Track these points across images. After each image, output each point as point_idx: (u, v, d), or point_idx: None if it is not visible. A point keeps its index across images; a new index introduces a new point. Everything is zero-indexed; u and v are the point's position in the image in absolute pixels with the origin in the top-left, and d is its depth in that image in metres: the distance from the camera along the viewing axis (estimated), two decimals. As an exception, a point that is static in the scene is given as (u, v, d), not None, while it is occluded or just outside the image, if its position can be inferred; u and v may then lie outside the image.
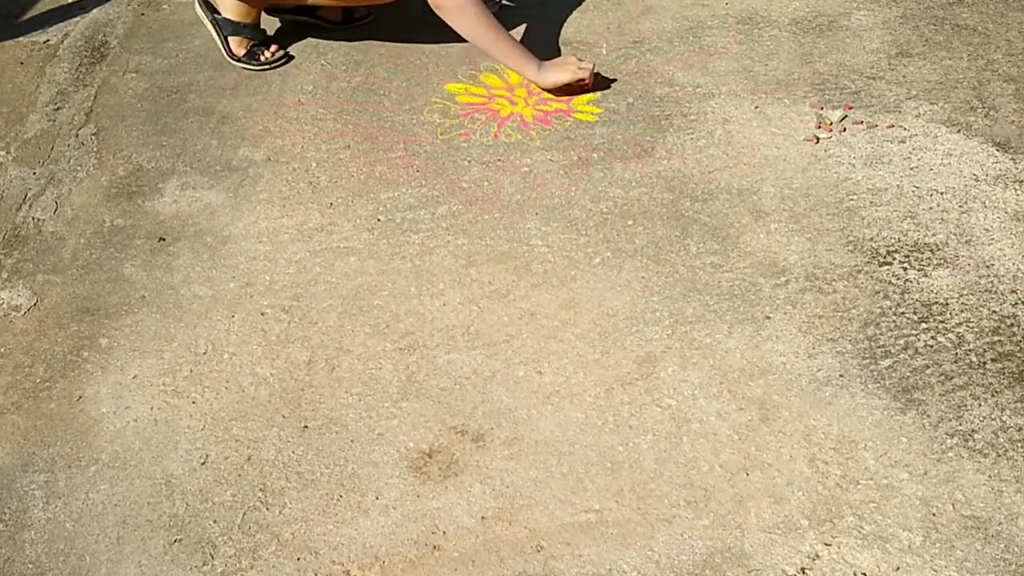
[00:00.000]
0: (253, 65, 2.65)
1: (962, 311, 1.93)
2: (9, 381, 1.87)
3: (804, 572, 1.52)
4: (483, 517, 1.61)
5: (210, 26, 2.67)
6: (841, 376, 1.81)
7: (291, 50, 2.75)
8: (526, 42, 2.74)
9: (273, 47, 2.69)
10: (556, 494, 1.64)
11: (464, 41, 2.48)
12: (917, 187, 2.20)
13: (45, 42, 2.84)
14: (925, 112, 2.41)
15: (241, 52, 2.66)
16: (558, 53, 2.70)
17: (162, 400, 1.82)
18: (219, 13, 2.65)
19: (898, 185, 2.21)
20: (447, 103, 2.54)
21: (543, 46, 2.73)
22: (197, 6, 2.68)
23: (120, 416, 1.80)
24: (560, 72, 2.46)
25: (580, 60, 2.49)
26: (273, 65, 2.66)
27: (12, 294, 2.05)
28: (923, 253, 2.06)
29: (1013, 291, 1.97)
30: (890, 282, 1.99)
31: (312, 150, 2.40)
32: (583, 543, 1.57)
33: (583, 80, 2.47)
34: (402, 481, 1.67)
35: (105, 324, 1.97)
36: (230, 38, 2.65)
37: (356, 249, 2.12)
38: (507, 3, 2.88)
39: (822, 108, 2.44)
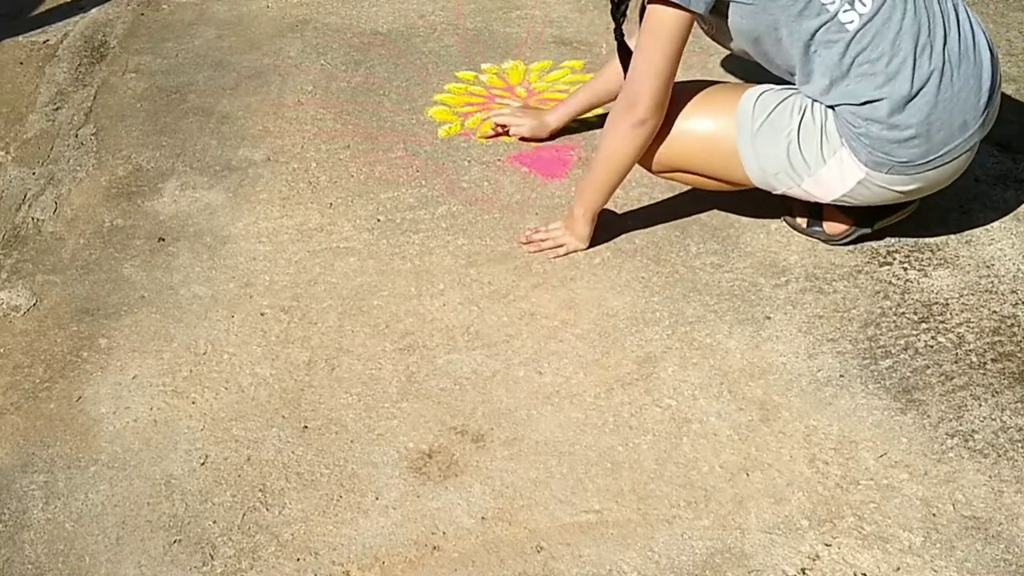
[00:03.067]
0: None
1: (962, 311, 1.93)
2: (9, 381, 1.87)
3: (804, 572, 1.52)
4: (483, 517, 1.61)
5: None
6: (841, 376, 1.81)
7: (290, 51, 2.75)
8: (525, 42, 2.74)
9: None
10: (556, 494, 1.64)
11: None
12: (917, 187, 2.20)
13: (44, 42, 2.84)
14: (925, 112, 2.40)
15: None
16: (557, 53, 2.70)
17: (162, 400, 1.82)
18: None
19: (898, 185, 2.21)
20: (447, 103, 2.54)
21: (544, 46, 2.73)
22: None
23: (120, 416, 1.79)
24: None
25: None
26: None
27: (11, 294, 2.05)
28: (923, 253, 2.06)
29: (1013, 291, 1.96)
30: (890, 282, 1.99)
31: (312, 150, 2.40)
32: (583, 543, 1.57)
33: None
34: (402, 481, 1.67)
35: (105, 324, 1.97)
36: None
37: (356, 249, 2.12)
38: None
39: (822, 108, 2.43)
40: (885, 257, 2.05)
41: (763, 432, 1.72)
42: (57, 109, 2.57)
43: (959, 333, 1.88)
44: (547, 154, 2.37)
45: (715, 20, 1.88)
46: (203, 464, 1.71)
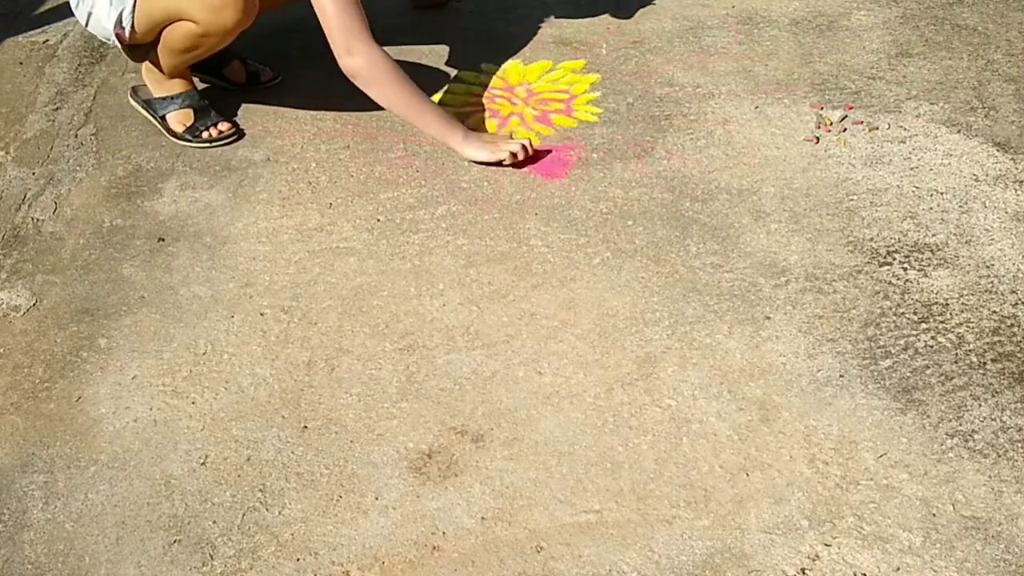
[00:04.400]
0: (196, 142, 2.40)
1: (962, 311, 1.93)
2: (8, 381, 1.87)
3: (804, 573, 1.52)
4: (483, 517, 1.61)
5: (144, 113, 2.47)
6: (841, 376, 1.81)
7: (290, 51, 2.75)
8: (525, 42, 2.74)
9: (223, 124, 2.42)
10: (556, 494, 1.64)
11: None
12: (917, 187, 2.20)
13: (44, 42, 2.84)
14: (925, 112, 2.41)
15: (181, 129, 2.40)
16: (557, 53, 2.70)
17: (161, 400, 1.82)
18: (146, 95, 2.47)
19: (898, 185, 2.21)
20: (447, 103, 2.54)
21: (544, 46, 2.73)
22: (130, 98, 2.51)
23: (119, 416, 1.79)
24: (479, 150, 2.28)
25: (512, 139, 2.33)
26: (221, 142, 2.40)
27: (11, 294, 2.05)
28: (923, 253, 2.06)
29: (1013, 291, 1.97)
30: (890, 282, 1.99)
31: (311, 150, 2.40)
32: (583, 543, 1.57)
33: (503, 161, 2.28)
34: (402, 481, 1.67)
35: (104, 324, 1.97)
36: (167, 116, 2.42)
37: (356, 249, 2.12)
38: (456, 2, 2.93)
39: (822, 108, 2.44)
40: (885, 257, 2.05)
41: (763, 432, 1.72)
42: (57, 109, 2.57)
43: (959, 333, 1.88)
44: (547, 154, 2.37)
45: None
46: (203, 464, 1.71)
